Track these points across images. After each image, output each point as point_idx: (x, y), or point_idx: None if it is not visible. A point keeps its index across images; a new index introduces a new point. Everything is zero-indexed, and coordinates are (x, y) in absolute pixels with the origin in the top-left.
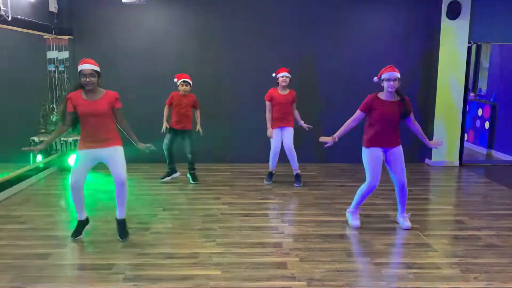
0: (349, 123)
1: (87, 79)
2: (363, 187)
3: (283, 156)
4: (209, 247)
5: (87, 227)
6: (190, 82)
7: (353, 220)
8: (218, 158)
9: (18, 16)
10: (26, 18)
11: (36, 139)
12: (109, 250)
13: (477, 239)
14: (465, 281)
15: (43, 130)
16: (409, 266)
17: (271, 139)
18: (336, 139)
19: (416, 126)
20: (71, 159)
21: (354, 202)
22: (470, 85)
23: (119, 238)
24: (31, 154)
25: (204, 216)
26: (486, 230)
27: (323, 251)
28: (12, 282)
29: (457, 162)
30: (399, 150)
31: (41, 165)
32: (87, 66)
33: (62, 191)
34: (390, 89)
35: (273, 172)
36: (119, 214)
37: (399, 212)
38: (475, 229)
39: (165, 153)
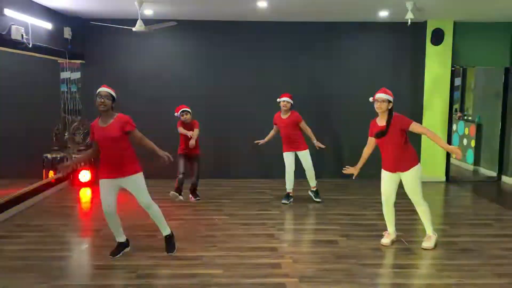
0: (364, 151)
1: (101, 100)
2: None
3: (281, 170)
4: (212, 250)
5: (126, 249)
6: (189, 110)
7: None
8: (220, 173)
9: (37, 43)
10: (44, 45)
11: (49, 156)
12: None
13: (454, 244)
14: (439, 278)
15: (56, 148)
16: (390, 266)
17: (285, 161)
18: (358, 169)
19: None
20: (82, 175)
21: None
22: (458, 106)
23: (166, 252)
24: (43, 170)
25: (207, 225)
26: (463, 237)
27: (315, 254)
28: (37, 279)
29: (444, 178)
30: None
31: (53, 181)
32: (104, 89)
33: (75, 204)
34: (377, 110)
35: (290, 194)
36: (162, 233)
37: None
38: (454, 236)
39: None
